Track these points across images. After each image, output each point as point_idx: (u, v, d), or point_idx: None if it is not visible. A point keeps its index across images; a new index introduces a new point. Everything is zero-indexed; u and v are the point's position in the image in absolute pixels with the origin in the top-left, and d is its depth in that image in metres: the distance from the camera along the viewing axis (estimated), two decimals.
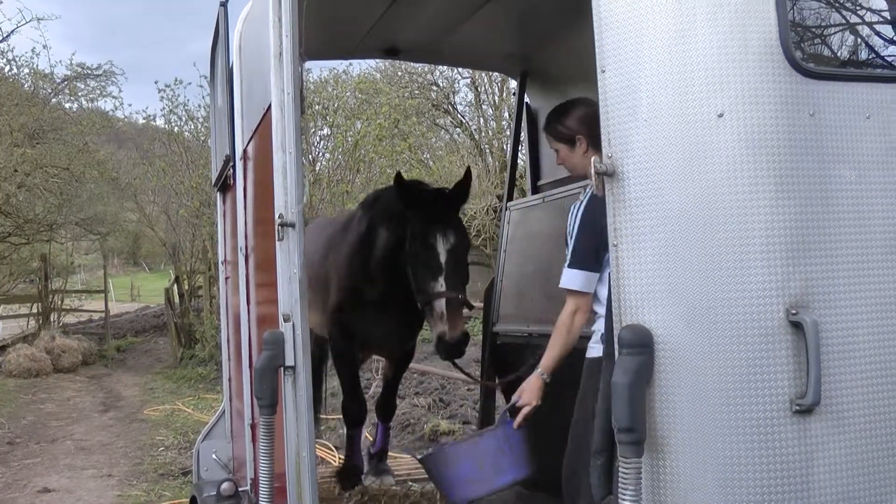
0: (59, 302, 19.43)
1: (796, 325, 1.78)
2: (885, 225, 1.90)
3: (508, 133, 8.01)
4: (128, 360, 18.05)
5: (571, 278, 2.81)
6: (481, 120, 14.79)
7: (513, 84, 6.67)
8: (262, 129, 3.42)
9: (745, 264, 1.80)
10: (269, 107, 3.10)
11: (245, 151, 4.10)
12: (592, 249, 2.71)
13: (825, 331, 1.79)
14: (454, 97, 16.46)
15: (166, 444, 9.39)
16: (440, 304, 3.85)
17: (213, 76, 5.45)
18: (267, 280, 3.72)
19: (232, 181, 4.46)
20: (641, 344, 1.82)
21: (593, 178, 1.91)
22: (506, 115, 14.07)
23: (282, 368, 2.84)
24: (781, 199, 1.81)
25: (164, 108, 17.84)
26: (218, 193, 5.41)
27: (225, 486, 3.91)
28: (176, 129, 16.04)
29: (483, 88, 16.37)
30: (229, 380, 5.36)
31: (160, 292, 23.54)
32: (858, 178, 1.87)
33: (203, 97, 14.82)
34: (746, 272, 1.80)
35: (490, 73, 15.41)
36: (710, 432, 1.80)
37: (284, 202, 2.86)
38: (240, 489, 3.98)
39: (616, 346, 1.87)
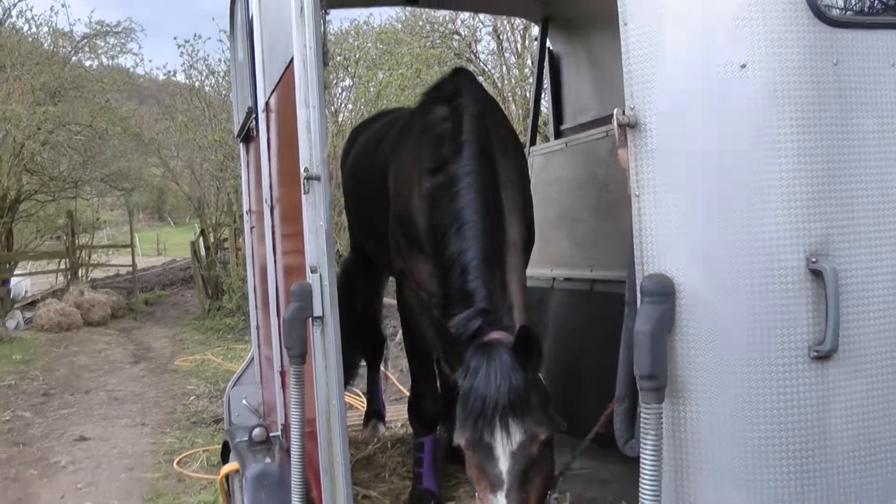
0: (87, 257, 19.72)
1: (816, 273, 1.80)
2: (882, 177, 1.90)
3: (531, 80, 7.97)
4: (156, 312, 18.36)
5: None
6: (504, 68, 14.67)
7: (535, 31, 6.63)
8: (285, 83, 3.45)
9: (767, 213, 1.83)
10: (292, 60, 3.13)
11: (267, 104, 4.13)
12: None
13: (844, 279, 1.81)
14: (476, 46, 16.31)
15: (197, 393, 9.63)
16: None
17: (232, 30, 5.46)
18: (293, 230, 3.78)
19: (255, 133, 4.50)
20: (663, 293, 1.86)
21: (616, 130, 1.94)
22: (528, 62, 13.94)
23: (310, 319, 2.90)
24: (803, 148, 1.82)
25: (184, 63, 17.88)
26: (241, 144, 5.47)
27: (257, 431, 4.00)
28: (196, 83, 16.07)
29: (505, 36, 16.20)
30: (257, 327, 5.47)
31: (186, 246, 23.81)
32: (881, 125, 1.88)
33: (223, 51, 14.85)
34: (767, 221, 1.82)
35: (512, 20, 15.24)
36: (730, 378, 1.84)
37: (309, 155, 2.89)
38: (271, 434, 4.09)
39: (638, 294, 1.91)
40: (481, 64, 16.60)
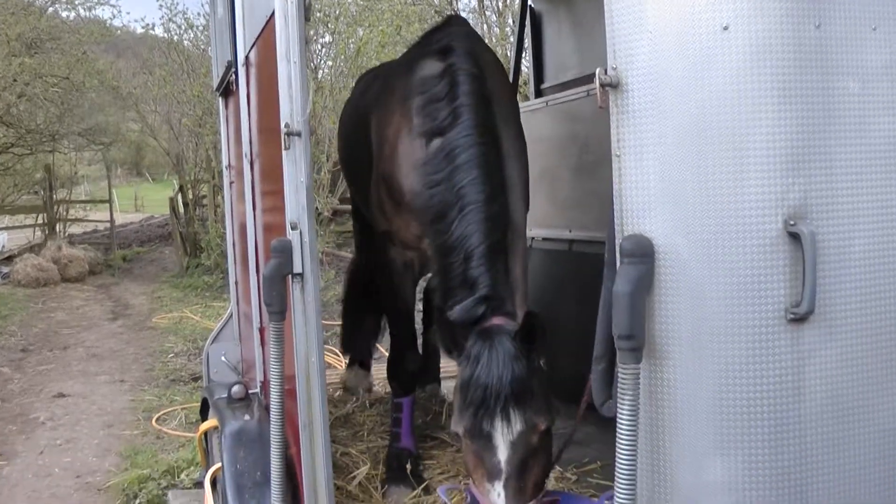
0: (65, 212, 19.52)
1: (794, 236, 1.81)
2: (887, 137, 1.92)
3: (512, 39, 7.88)
4: (134, 269, 18.26)
5: None
6: (485, 26, 14.51)
7: None
8: (265, 37, 3.40)
9: (746, 176, 1.83)
10: (273, 14, 3.08)
11: (247, 58, 4.08)
12: None
13: (822, 242, 1.83)
14: (457, 3, 16.13)
15: (175, 351, 9.63)
16: None
17: None
18: (273, 187, 3.76)
19: (234, 87, 4.44)
20: (642, 254, 1.86)
21: (598, 90, 1.93)
22: (510, 21, 13.82)
23: (290, 276, 2.90)
24: (784, 111, 1.82)
25: (162, 16, 17.57)
26: (220, 98, 5.40)
27: (235, 388, 4.01)
28: (175, 37, 15.81)
29: None
30: (236, 283, 5.46)
31: (164, 202, 23.59)
32: (862, 89, 1.88)
33: (202, 5, 14.56)
34: (747, 183, 1.83)
35: None
36: (707, 339, 1.86)
37: (290, 111, 2.86)
38: (249, 392, 4.10)
39: (617, 255, 1.92)
40: None
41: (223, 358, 5.43)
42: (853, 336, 1.88)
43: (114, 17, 19.51)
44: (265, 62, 3.49)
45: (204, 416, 4.84)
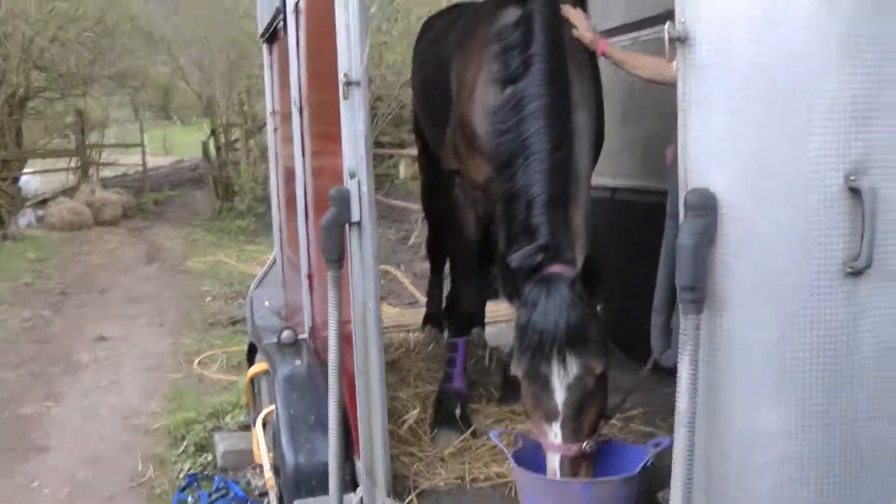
0: (97, 156, 19.69)
1: (854, 191, 1.85)
2: None
3: None
4: (165, 213, 18.44)
5: None
6: None
7: None
8: None
9: (810, 130, 1.86)
10: None
11: (297, 5, 4.11)
12: None
13: (881, 198, 1.86)
14: None
15: (213, 295, 9.80)
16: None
17: None
18: (325, 134, 3.82)
19: (283, 34, 4.48)
20: (706, 206, 1.91)
21: (666, 44, 1.96)
22: None
23: (347, 224, 2.98)
24: (851, 63, 1.84)
25: None
26: (265, 45, 5.44)
27: (285, 334, 4.13)
28: None
29: None
30: (280, 229, 5.56)
31: (193, 145, 23.68)
32: None
33: None
34: (810, 139, 1.86)
35: None
36: (766, 291, 1.91)
37: (348, 60, 2.91)
38: (298, 337, 4.21)
39: (681, 208, 1.97)
40: None
41: (267, 303, 5.57)
42: None
43: None
44: (320, 9, 3.52)
45: (251, 360, 4.99)
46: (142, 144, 19.59)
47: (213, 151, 17.60)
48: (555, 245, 2.90)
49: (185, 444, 5.22)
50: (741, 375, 1.97)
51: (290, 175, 5.28)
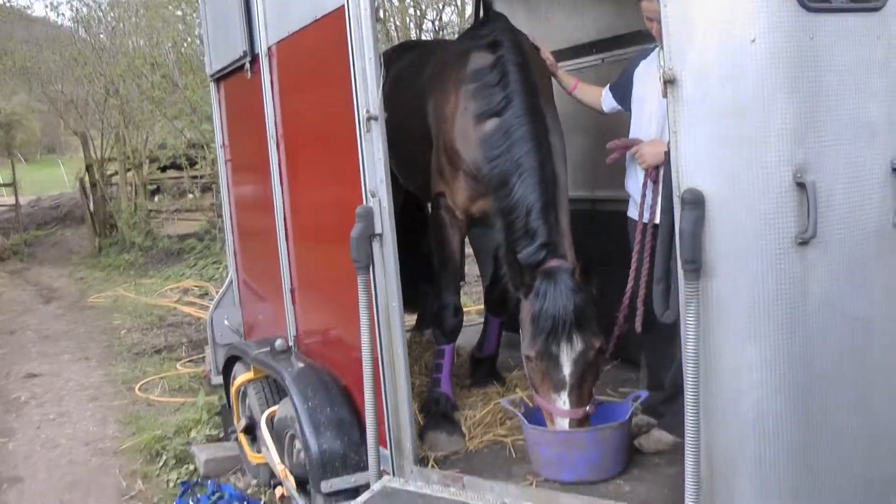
0: None
1: (800, 185, 2.61)
2: (853, 115, 2.73)
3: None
4: (37, 253, 17.92)
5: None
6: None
7: None
8: (315, 32, 3.95)
9: (767, 144, 2.60)
10: (329, 13, 3.66)
11: (271, 49, 4.60)
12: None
13: (819, 188, 2.63)
14: None
15: (126, 328, 9.90)
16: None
17: None
18: (305, 161, 4.35)
19: (249, 74, 4.93)
20: (698, 201, 2.62)
21: (662, 84, 2.67)
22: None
23: (371, 236, 3.53)
24: (791, 97, 2.60)
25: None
26: (214, 84, 5.86)
27: (279, 342, 4.58)
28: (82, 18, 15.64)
29: None
30: (234, 254, 5.98)
31: (42, 184, 22.97)
32: (839, 82, 2.68)
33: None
34: (768, 149, 2.61)
35: None
36: (743, 259, 2.64)
37: (366, 99, 3.47)
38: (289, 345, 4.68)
39: (678, 204, 2.67)
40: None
41: (226, 321, 5.98)
42: (839, 253, 2.71)
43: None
44: (314, 53, 4.05)
45: (227, 374, 5.39)
46: (14, 183, 18.93)
47: (89, 187, 17.31)
48: (552, 243, 3.56)
49: (163, 458, 5.51)
50: (727, 322, 2.69)
51: (244, 202, 5.73)
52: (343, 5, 3.53)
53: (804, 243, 2.65)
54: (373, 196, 3.53)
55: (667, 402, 3.69)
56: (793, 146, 2.63)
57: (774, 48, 2.59)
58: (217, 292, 11.30)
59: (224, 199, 6.06)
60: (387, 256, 3.55)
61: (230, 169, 5.94)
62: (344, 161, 3.84)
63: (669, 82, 2.67)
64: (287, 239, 4.76)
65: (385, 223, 3.53)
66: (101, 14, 15.64)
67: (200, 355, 8.12)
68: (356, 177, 3.63)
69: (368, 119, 3.47)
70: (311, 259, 4.63)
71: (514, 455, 3.77)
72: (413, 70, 4.74)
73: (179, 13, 14.46)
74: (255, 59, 4.85)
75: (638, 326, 3.44)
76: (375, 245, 3.55)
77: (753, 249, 2.65)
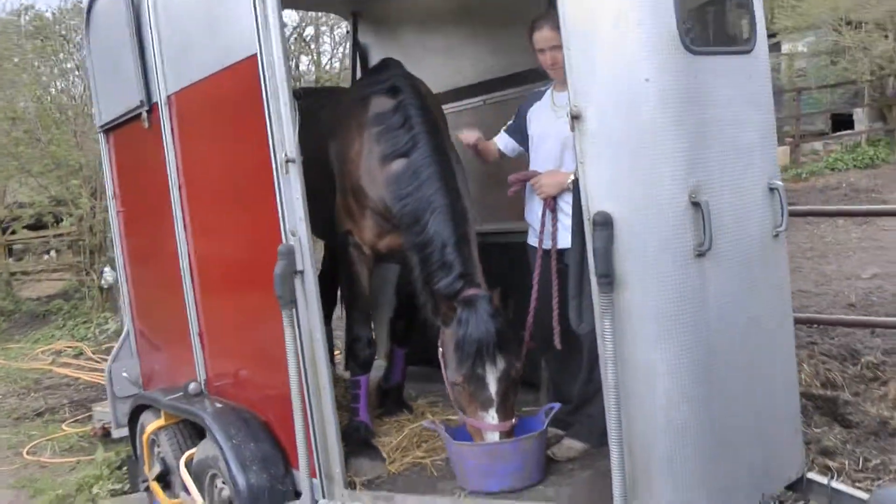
0: None
1: (695, 204, 2.95)
2: (734, 142, 3.13)
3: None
4: None
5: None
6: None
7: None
8: (222, 79, 4.07)
9: (663, 170, 2.93)
10: (245, 59, 3.79)
11: (170, 97, 4.67)
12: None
13: (711, 207, 2.98)
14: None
15: (1, 394, 9.43)
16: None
17: (88, 27, 5.79)
18: (219, 208, 4.43)
19: (145, 123, 4.96)
20: (607, 222, 2.92)
21: (569, 118, 2.98)
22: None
23: (293, 273, 3.66)
24: (682, 128, 2.95)
25: None
26: (103, 135, 5.83)
27: (192, 386, 4.60)
28: None
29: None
30: (129, 304, 5.92)
31: None
32: (720, 114, 3.07)
33: None
34: (664, 175, 2.94)
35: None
36: (648, 271, 2.95)
37: (282, 142, 3.62)
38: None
39: (588, 226, 2.97)
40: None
41: (124, 374, 5.89)
42: (729, 262, 3.08)
43: None
44: (220, 100, 4.17)
45: (133, 423, 5.31)
46: None
47: None
48: (469, 273, 3.80)
49: None
50: (637, 327, 2.99)
51: (147, 252, 5.69)
52: (256, 53, 3.68)
53: (701, 255, 2.99)
54: (293, 235, 3.66)
55: (574, 412, 3.97)
56: (686, 171, 2.98)
57: (665, 86, 2.95)
58: (90, 352, 11.08)
59: (117, 250, 5.99)
60: (308, 292, 3.68)
61: (122, 220, 5.89)
62: (255, 205, 3.97)
63: (575, 117, 2.98)
64: (193, 283, 4.80)
65: (306, 260, 3.66)
66: None
67: (86, 414, 7.88)
68: (270, 218, 3.76)
69: (286, 161, 3.62)
70: (220, 302, 4.68)
71: (435, 473, 3.94)
72: (311, 115, 4.92)
73: (38, 65, 14.06)
74: (152, 109, 4.89)
75: (557, 343, 3.71)
76: (297, 281, 3.68)
77: (656, 261, 2.97)
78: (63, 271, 15.60)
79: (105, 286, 12.59)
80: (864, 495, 3.42)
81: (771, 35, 22.82)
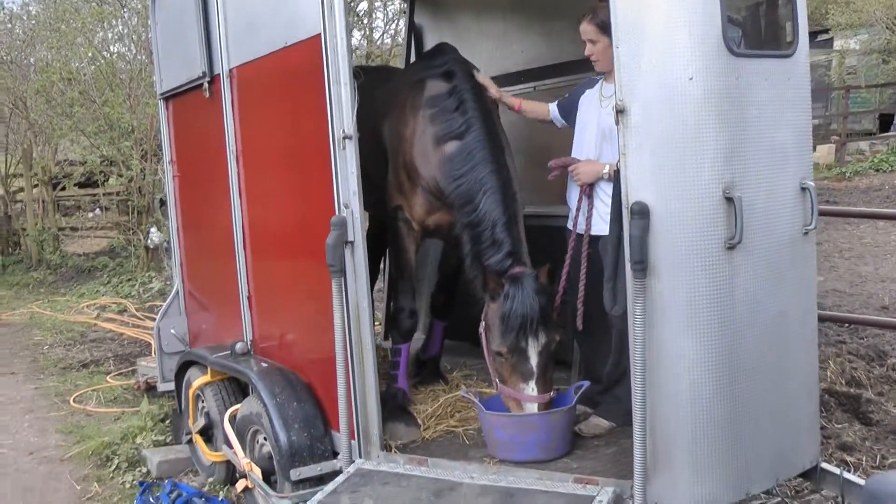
0: None
1: (729, 199, 3.12)
2: (770, 142, 3.27)
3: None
4: None
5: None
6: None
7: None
8: (285, 57, 4.28)
9: (701, 165, 3.10)
10: (307, 40, 3.99)
11: (232, 71, 4.89)
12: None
13: (744, 202, 3.14)
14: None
15: (48, 343, 9.80)
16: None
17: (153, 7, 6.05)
18: (274, 179, 4.66)
19: (208, 94, 5.19)
20: (644, 211, 3.10)
21: (614, 112, 3.14)
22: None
23: (344, 243, 3.88)
24: (721, 126, 3.10)
25: None
26: (162, 101, 6.08)
27: (239, 345, 4.85)
28: None
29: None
30: (181, 265, 6.20)
31: None
32: (758, 114, 3.22)
33: None
34: (702, 169, 3.10)
35: None
36: (681, 261, 3.12)
37: (340, 120, 3.82)
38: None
39: (626, 215, 3.14)
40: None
41: (172, 331, 6.18)
42: (759, 256, 3.23)
43: None
44: (282, 76, 4.38)
45: (179, 378, 5.59)
46: None
47: None
48: (517, 252, 4.01)
49: (115, 462, 5.63)
50: (667, 316, 3.17)
51: (200, 216, 5.95)
52: (319, 34, 3.88)
53: (731, 248, 3.15)
54: (346, 207, 3.87)
55: (603, 392, 4.16)
56: (723, 167, 3.14)
57: (707, 85, 3.10)
58: (134, 308, 11.45)
59: (171, 213, 6.26)
60: (357, 262, 3.90)
61: (178, 184, 6.16)
62: (310, 177, 4.18)
63: (620, 111, 3.14)
64: (244, 248, 5.04)
65: (357, 232, 3.88)
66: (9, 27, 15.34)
67: (129, 368, 8.20)
68: (325, 191, 3.97)
69: (344, 138, 3.82)
70: (270, 267, 4.92)
71: (467, 442, 4.17)
72: (367, 93, 5.12)
73: (94, 28, 14.39)
74: (213, 80, 5.12)
75: (579, 324, 3.90)
76: (347, 252, 3.90)
77: (689, 252, 3.14)
78: (109, 229, 16.05)
79: (151, 246, 12.95)
80: None
81: (823, 31, 22.72)
